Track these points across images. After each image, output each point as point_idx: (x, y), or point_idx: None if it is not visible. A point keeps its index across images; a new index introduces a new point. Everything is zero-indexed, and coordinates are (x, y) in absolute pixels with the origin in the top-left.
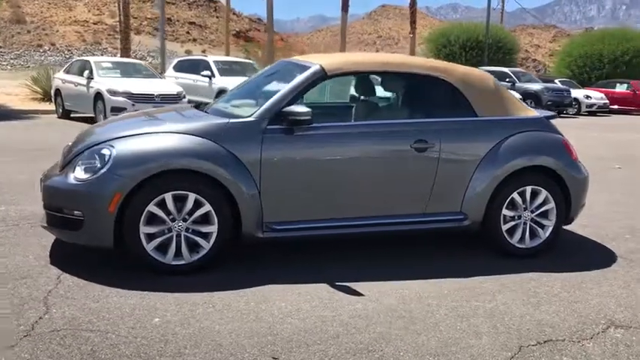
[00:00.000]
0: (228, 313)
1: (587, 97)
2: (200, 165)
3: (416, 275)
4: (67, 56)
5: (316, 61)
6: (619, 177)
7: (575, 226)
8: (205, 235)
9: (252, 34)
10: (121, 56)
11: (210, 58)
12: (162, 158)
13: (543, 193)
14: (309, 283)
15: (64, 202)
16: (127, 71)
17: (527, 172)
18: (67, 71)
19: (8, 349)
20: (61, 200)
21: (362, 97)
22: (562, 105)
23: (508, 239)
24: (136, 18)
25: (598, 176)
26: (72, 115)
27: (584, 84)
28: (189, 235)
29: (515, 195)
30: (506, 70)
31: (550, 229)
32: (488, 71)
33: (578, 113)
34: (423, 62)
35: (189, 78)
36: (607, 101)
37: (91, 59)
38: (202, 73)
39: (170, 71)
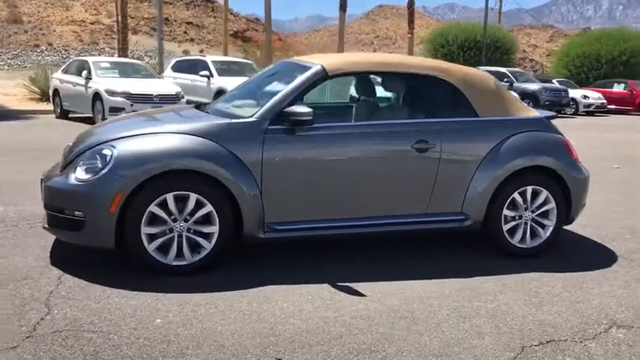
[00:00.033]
0: (231, 314)
1: (585, 97)
2: (201, 165)
3: (417, 275)
4: (64, 56)
5: (317, 62)
6: (618, 177)
7: (575, 226)
8: (207, 236)
9: (250, 34)
10: (119, 56)
11: (209, 58)
12: (163, 159)
13: (544, 193)
14: (310, 284)
15: (65, 202)
16: (126, 71)
17: (527, 172)
18: (65, 71)
19: (10, 349)
20: (62, 201)
21: (363, 98)
22: (560, 105)
23: (509, 239)
24: (133, 18)
25: (597, 176)
26: (70, 116)
27: (581, 84)
28: (190, 235)
29: (516, 195)
30: (504, 70)
31: (551, 229)
32: (487, 71)
33: (576, 113)
34: (424, 62)
35: (188, 78)
36: (604, 101)
37: (90, 59)
38: (201, 73)
39: (168, 71)
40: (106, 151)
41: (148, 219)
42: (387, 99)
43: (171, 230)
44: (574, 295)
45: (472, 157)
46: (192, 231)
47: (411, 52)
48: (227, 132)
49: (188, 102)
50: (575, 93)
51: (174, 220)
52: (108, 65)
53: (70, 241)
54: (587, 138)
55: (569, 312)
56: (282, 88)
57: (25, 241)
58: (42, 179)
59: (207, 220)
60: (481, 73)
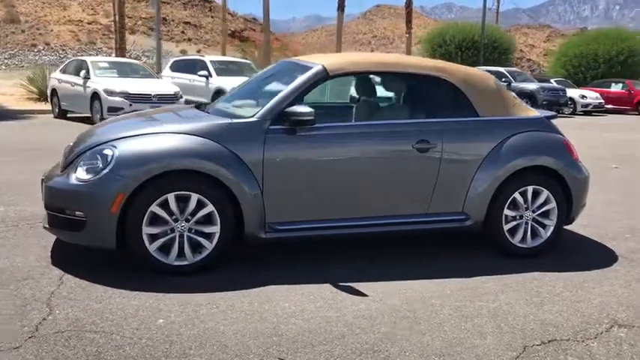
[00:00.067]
0: (233, 314)
1: (583, 96)
2: (203, 165)
3: (418, 275)
4: (62, 56)
5: (318, 62)
6: (616, 177)
7: (575, 226)
8: (208, 236)
9: (247, 34)
10: (117, 56)
11: (207, 58)
12: (164, 158)
13: (545, 193)
14: (312, 284)
15: (66, 202)
16: (124, 71)
17: (528, 172)
18: (64, 71)
19: (13, 350)
20: (63, 201)
21: (364, 98)
22: (558, 105)
23: (510, 239)
24: (130, 18)
25: (596, 176)
26: (68, 115)
27: (579, 84)
28: (191, 235)
29: (516, 195)
30: (502, 69)
31: (551, 228)
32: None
33: (574, 113)
34: (425, 62)
35: (186, 78)
36: (602, 101)
37: (88, 59)
38: (199, 73)
39: (167, 71)
40: (107, 151)
41: (149, 219)
42: (388, 99)
43: (172, 230)
44: (575, 295)
45: (473, 157)
46: (193, 231)
47: (409, 52)
48: (228, 132)
49: (187, 102)
50: (573, 93)
51: (176, 220)
52: (106, 65)
53: (70, 241)
54: (585, 138)
55: (570, 311)
56: (282, 88)
57: (26, 241)
58: (42, 179)
59: (208, 220)
60: (482, 72)
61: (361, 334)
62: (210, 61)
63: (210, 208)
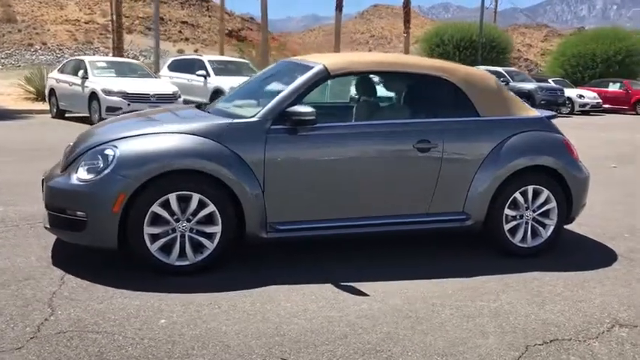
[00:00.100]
0: (235, 314)
1: (581, 96)
2: (204, 165)
3: (419, 275)
4: (59, 55)
5: (319, 61)
6: (615, 176)
7: (574, 226)
8: (209, 236)
9: (245, 34)
10: (114, 56)
11: (205, 58)
12: (166, 158)
13: (545, 193)
14: (313, 284)
15: (67, 202)
16: (122, 71)
17: (528, 172)
18: (62, 71)
19: (15, 350)
20: (64, 201)
21: (365, 97)
22: (555, 104)
23: (510, 239)
24: (127, 17)
25: (595, 176)
26: (66, 115)
27: (577, 83)
28: (193, 235)
29: (517, 194)
30: (500, 69)
31: (552, 228)
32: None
33: (572, 112)
34: (426, 62)
35: (184, 77)
36: (600, 100)
37: (86, 59)
38: (197, 72)
39: (165, 71)
40: (108, 151)
41: (151, 219)
42: (389, 99)
43: (173, 230)
44: (576, 294)
45: (474, 156)
46: (194, 231)
47: (407, 52)
48: (229, 132)
49: (185, 102)
50: (571, 92)
51: (177, 220)
52: (104, 65)
53: (71, 241)
54: (583, 137)
55: (571, 311)
56: (283, 88)
57: (26, 241)
58: (43, 179)
59: (209, 220)
60: (482, 72)
61: (363, 334)
62: (209, 61)
63: (211, 208)
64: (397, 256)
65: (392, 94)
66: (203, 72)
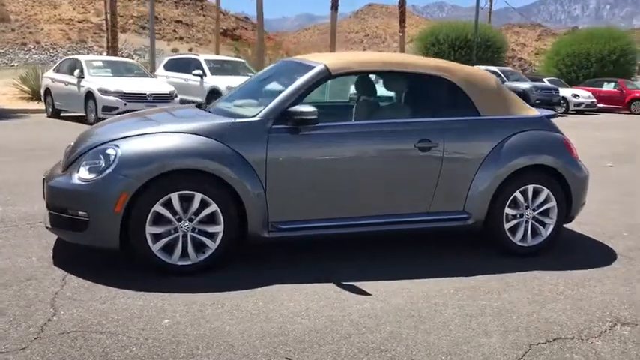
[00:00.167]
0: (238, 314)
1: (575, 95)
2: (206, 165)
3: (420, 274)
4: (52, 55)
5: (320, 61)
6: (612, 175)
7: (574, 225)
8: (211, 235)
9: (239, 33)
10: (109, 55)
11: (202, 57)
12: (167, 158)
13: (545, 192)
14: (315, 283)
15: (69, 202)
16: (119, 70)
17: (529, 171)
18: (57, 70)
19: (19, 351)
20: (66, 201)
21: (366, 97)
22: (550, 104)
23: (510, 238)
24: (122, 16)
25: (591, 175)
26: (62, 115)
27: (571, 83)
28: (195, 235)
29: (517, 194)
30: (495, 68)
31: (551, 227)
32: None
33: (566, 112)
34: (427, 62)
35: (181, 77)
36: (594, 100)
37: (82, 58)
38: (194, 72)
39: (160, 70)
40: (110, 151)
41: (153, 219)
42: (390, 98)
43: (175, 230)
44: (577, 293)
45: (474, 156)
46: (196, 230)
47: (402, 51)
48: (231, 131)
49: (182, 101)
50: (566, 92)
51: (179, 220)
52: (101, 64)
53: (73, 241)
54: (578, 136)
55: (573, 310)
56: (284, 88)
57: (27, 241)
58: (44, 179)
59: (211, 219)
60: (483, 72)
61: (367, 334)
62: (205, 60)
63: (213, 207)
64: (398, 256)
65: (392, 94)
66: (199, 71)
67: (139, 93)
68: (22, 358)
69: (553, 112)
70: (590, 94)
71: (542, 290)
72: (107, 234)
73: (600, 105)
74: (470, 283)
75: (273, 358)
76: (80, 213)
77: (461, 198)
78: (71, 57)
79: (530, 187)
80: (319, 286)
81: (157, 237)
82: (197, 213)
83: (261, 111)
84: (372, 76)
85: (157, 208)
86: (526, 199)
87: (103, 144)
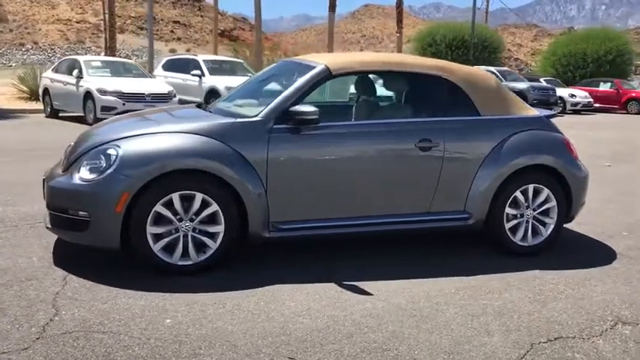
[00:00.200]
0: (240, 314)
1: (572, 95)
2: (207, 165)
3: (421, 274)
4: (50, 55)
5: (321, 61)
6: (610, 175)
7: (573, 224)
8: (212, 235)
9: (237, 33)
10: (106, 55)
11: (200, 57)
12: (168, 158)
13: (545, 192)
14: (316, 283)
15: (69, 202)
16: (117, 70)
17: (529, 171)
18: (56, 70)
19: (22, 351)
20: (66, 201)
21: (366, 97)
22: (547, 103)
23: (511, 237)
24: (119, 17)
25: (590, 174)
26: (60, 115)
27: (568, 83)
28: (196, 235)
29: (517, 193)
30: (492, 69)
31: (552, 227)
32: None
33: (563, 112)
34: (427, 62)
35: (179, 77)
36: (591, 100)
37: (81, 58)
38: (192, 72)
39: (159, 70)
40: (111, 151)
41: (154, 219)
42: (390, 98)
43: (176, 230)
44: (577, 292)
45: (475, 155)
46: (197, 230)
47: (400, 51)
48: (232, 131)
49: (180, 101)
50: (563, 92)
51: (180, 220)
52: (99, 64)
53: (73, 241)
54: (575, 136)
55: (574, 309)
56: (285, 88)
57: (27, 241)
58: (44, 179)
59: (212, 219)
60: (483, 72)
61: (369, 333)
62: (203, 61)
63: (214, 207)
64: (399, 255)
65: (393, 94)
66: (198, 72)
67: (137, 93)
68: (24, 359)
69: (553, 112)
70: (586, 94)
71: (543, 290)
72: (108, 234)
73: (597, 105)
74: (471, 283)
75: (276, 358)
76: (81, 213)
77: (461, 198)
78: (70, 57)
79: (531, 187)
80: (320, 286)
81: (157, 237)
82: (198, 213)
83: (262, 111)
84: (372, 76)
85: (158, 208)
86: (526, 199)
87: (103, 144)
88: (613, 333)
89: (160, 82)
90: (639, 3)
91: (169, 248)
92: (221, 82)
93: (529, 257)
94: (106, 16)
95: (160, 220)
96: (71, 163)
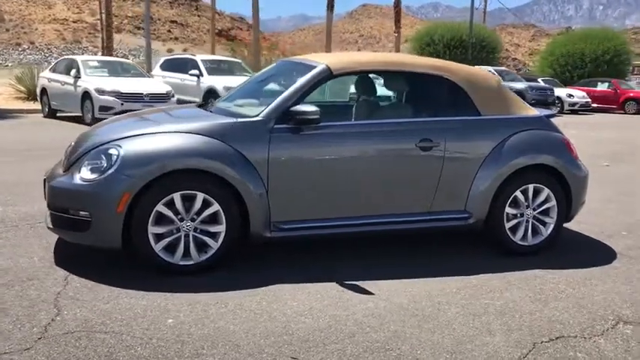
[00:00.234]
0: (242, 313)
1: (570, 95)
2: (208, 164)
3: (422, 273)
4: (47, 55)
5: (321, 61)
6: (610, 175)
7: (573, 224)
8: (213, 235)
9: (234, 33)
10: (103, 55)
11: (198, 57)
12: (170, 158)
13: (545, 191)
14: (318, 283)
15: (71, 202)
16: (115, 70)
17: (529, 170)
18: (53, 70)
19: (24, 351)
20: (68, 201)
21: (367, 97)
22: (545, 103)
23: (511, 237)
24: (116, 16)
25: (590, 174)
26: (58, 115)
27: (566, 83)
28: (197, 235)
29: (517, 193)
30: (490, 69)
31: (552, 226)
32: None
33: (561, 112)
34: (428, 62)
35: (177, 77)
36: (589, 100)
37: (78, 58)
38: (190, 72)
39: (157, 70)
40: (112, 151)
41: (155, 219)
42: (391, 98)
43: (178, 230)
44: (578, 292)
45: (475, 155)
46: (199, 230)
47: (398, 51)
48: (233, 131)
49: (179, 101)
50: (560, 92)
51: (181, 220)
52: (97, 64)
53: (75, 241)
54: (574, 136)
55: (575, 309)
56: (285, 88)
57: (27, 241)
58: (45, 179)
59: (213, 219)
60: (484, 72)
61: (371, 333)
62: (202, 60)
63: (215, 207)
64: (399, 255)
65: (394, 94)
66: (196, 71)
67: (135, 93)
68: (26, 359)
69: (553, 112)
70: (584, 94)
71: (543, 289)
72: (109, 234)
73: (595, 105)
74: (472, 282)
75: (279, 358)
76: (82, 213)
77: (462, 197)
78: (67, 57)
79: (531, 187)
80: (322, 285)
81: (159, 237)
82: (199, 213)
83: (263, 111)
84: (374, 76)
85: (160, 207)
86: (526, 199)
87: (104, 144)
88: (614, 332)
89: (158, 82)
90: (637, 3)
91: (171, 248)
92: (219, 81)
93: (529, 257)
94: (103, 15)
95: (161, 220)
96: (72, 163)
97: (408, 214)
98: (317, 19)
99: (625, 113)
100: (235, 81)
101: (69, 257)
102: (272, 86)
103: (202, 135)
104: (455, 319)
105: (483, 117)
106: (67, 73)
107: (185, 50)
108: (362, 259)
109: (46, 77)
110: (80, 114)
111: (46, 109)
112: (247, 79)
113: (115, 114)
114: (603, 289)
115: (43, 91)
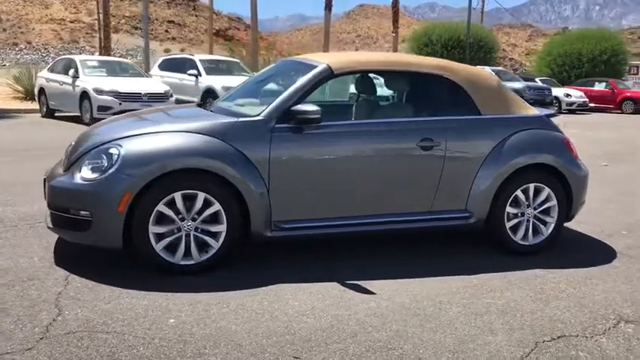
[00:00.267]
0: (243, 313)
1: (568, 95)
2: (209, 164)
3: (423, 273)
4: (44, 55)
5: (322, 60)
6: (608, 174)
7: (573, 223)
8: (214, 235)
9: (232, 33)
10: (101, 54)
11: (197, 57)
12: (170, 157)
13: (546, 191)
14: (319, 282)
15: (71, 202)
16: (113, 70)
17: (530, 170)
18: (52, 70)
19: (26, 351)
20: (68, 200)
21: (368, 96)
22: (543, 103)
23: (512, 236)
24: (114, 16)
25: (590, 174)
26: (56, 114)
27: (563, 83)
28: (198, 234)
29: (518, 192)
30: (488, 68)
31: (552, 226)
32: None
33: (559, 111)
34: (428, 61)
35: (175, 77)
36: (586, 99)
37: (77, 58)
38: (189, 72)
39: (155, 70)
40: (113, 150)
41: (156, 218)
42: (392, 97)
43: (179, 229)
44: (579, 291)
45: (476, 154)
46: (199, 230)
47: (395, 51)
48: (234, 130)
49: (177, 101)
50: (558, 91)
51: (182, 220)
52: (95, 64)
53: (75, 241)
54: (572, 136)
55: (576, 308)
56: (286, 87)
57: (27, 241)
58: (45, 179)
59: (214, 219)
60: (484, 71)
61: (373, 332)
62: (200, 60)
63: (216, 206)
64: (401, 254)
65: (395, 93)
66: (194, 71)
67: (134, 93)
68: (28, 359)
69: (553, 112)
70: (582, 93)
71: (544, 288)
72: (110, 234)
73: (592, 105)
74: (473, 282)
75: (281, 358)
76: (82, 213)
77: (462, 197)
78: (65, 57)
79: (532, 186)
80: (323, 285)
81: (160, 236)
82: (200, 212)
83: (264, 110)
84: (375, 76)
85: (160, 207)
86: (527, 198)
87: (105, 143)
88: (616, 331)
89: (156, 81)
90: (633, 3)
91: (172, 248)
92: (218, 81)
93: (530, 256)
94: (101, 15)
95: (162, 219)
96: (72, 162)
97: (408, 213)
98: (314, 19)
99: (622, 113)
100: (234, 81)
101: (69, 257)
102: (273, 86)
103: (203, 134)
104: (457, 318)
105: (484, 116)
106: (66, 72)
107: (183, 50)
108: (363, 258)
109: (44, 77)
110: (78, 114)
111: (44, 109)
112: (247, 78)
113: (114, 114)
114: (604, 288)
115: (41, 90)
